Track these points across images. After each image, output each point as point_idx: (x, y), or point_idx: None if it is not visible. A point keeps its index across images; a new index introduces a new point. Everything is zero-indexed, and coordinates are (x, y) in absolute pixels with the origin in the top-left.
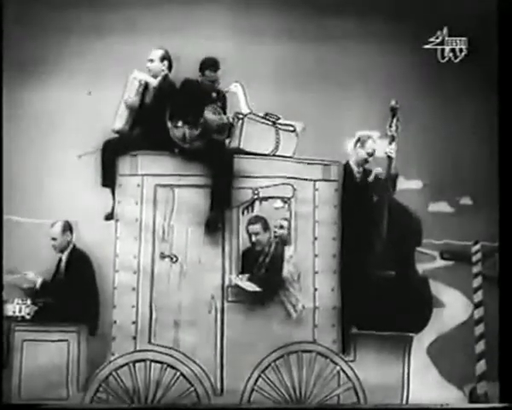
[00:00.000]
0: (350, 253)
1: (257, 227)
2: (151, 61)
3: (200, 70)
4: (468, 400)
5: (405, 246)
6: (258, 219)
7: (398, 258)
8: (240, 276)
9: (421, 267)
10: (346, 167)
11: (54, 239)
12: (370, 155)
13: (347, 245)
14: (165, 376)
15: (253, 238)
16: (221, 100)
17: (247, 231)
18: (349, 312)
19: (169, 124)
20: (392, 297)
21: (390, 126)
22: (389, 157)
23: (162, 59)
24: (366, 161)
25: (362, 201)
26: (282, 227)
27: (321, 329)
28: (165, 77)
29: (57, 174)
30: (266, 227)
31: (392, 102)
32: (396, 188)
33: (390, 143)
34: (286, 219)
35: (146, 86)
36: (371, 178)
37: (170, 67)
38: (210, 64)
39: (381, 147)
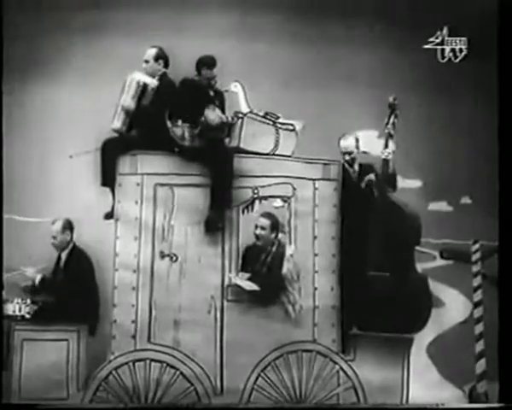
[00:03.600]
0: (349, 252)
1: (265, 222)
2: (146, 61)
3: (196, 69)
4: (467, 399)
5: (404, 245)
6: (270, 216)
7: (397, 257)
8: (239, 275)
9: (420, 267)
10: (344, 167)
11: (54, 237)
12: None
13: (346, 244)
14: (165, 375)
15: (258, 231)
16: (219, 98)
17: (256, 224)
18: (349, 311)
19: (168, 123)
20: (392, 296)
21: (387, 124)
22: (385, 160)
23: (157, 58)
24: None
25: (361, 200)
26: (283, 232)
27: (321, 328)
28: (164, 75)
29: (57, 173)
30: (274, 228)
31: (391, 99)
32: (396, 187)
33: (386, 144)
34: (283, 227)
35: (145, 87)
36: (363, 184)
37: (166, 65)
38: (206, 62)
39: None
